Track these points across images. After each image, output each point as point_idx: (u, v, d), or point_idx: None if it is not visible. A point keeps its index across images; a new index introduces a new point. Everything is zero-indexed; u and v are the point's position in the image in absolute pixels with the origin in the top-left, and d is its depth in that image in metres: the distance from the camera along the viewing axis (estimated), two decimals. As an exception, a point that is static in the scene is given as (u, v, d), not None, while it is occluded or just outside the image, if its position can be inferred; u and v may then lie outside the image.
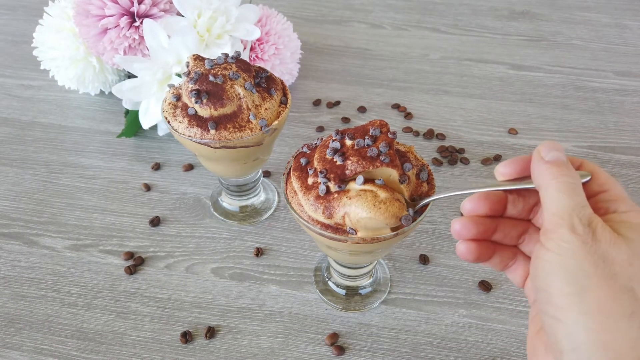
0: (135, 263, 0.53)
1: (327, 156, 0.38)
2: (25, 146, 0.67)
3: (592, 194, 0.29)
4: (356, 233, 0.37)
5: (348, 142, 0.38)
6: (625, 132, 0.69)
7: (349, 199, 0.36)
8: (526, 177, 0.31)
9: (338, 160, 0.37)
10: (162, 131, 0.66)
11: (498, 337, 0.47)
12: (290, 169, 0.42)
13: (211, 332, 0.47)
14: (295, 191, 0.40)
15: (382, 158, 0.36)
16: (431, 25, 0.90)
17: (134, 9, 0.60)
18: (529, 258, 0.33)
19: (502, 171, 0.31)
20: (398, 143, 0.43)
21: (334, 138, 0.38)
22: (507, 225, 0.32)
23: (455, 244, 0.32)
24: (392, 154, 0.37)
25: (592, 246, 0.26)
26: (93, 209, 0.59)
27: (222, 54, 0.47)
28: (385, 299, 0.50)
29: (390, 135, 0.38)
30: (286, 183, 0.41)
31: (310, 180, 0.38)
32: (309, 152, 0.42)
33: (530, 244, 0.33)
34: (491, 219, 0.32)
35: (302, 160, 0.40)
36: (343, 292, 0.51)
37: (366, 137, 0.37)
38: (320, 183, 0.37)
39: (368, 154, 0.36)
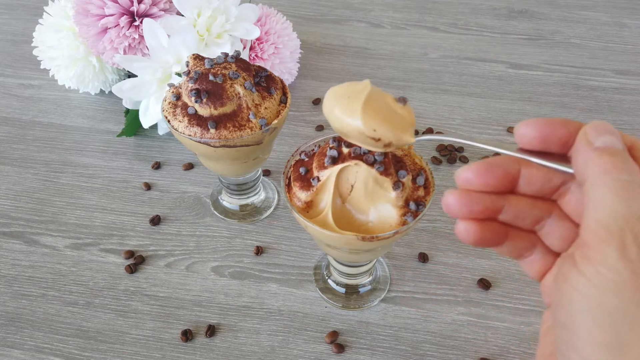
0: (136, 262, 0.53)
1: (325, 165, 0.38)
2: (25, 145, 0.67)
3: None
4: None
5: (345, 150, 0.38)
6: (623, 130, 0.69)
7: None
8: (556, 155, 0.24)
9: None
10: (162, 130, 0.66)
11: (497, 334, 0.48)
12: (290, 178, 0.42)
13: (211, 331, 0.48)
14: (299, 197, 0.40)
15: (376, 167, 0.36)
16: (430, 24, 0.90)
17: (134, 8, 0.60)
18: (551, 252, 0.26)
19: (523, 132, 0.24)
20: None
21: (331, 145, 0.39)
22: (521, 205, 0.25)
23: (456, 237, 0.26)
24: (386, 162, 0.37)
25: None
26: (93, 208, 0.59)
27: (222, 53, 0.47)
28: (385, 297, 0.51)
29: None
30: (289, 193, 0.41)
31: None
32: (307, 159, 0.42)
33: (553, 234, 0.25)
34: (496, 195, 0.25)
35: (302, 170, 0.41)
36: (343, 290, 0.51)
37: None
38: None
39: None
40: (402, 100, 0.32)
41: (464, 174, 0.24)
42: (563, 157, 0.24)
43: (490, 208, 0.25)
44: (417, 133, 0.69)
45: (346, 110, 0.32)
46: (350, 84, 0.33)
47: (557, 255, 0.26)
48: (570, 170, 0.23)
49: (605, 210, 0.20)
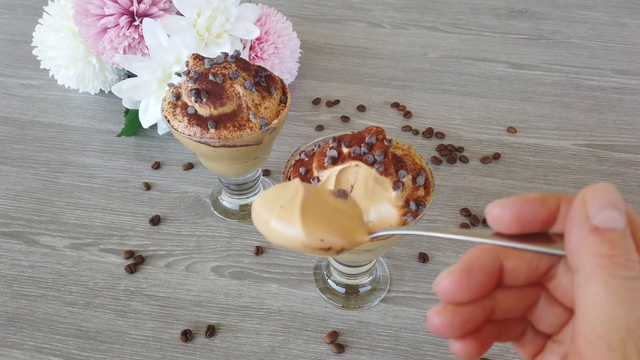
0: (136, 262, 0.53)
1: (325, 165, 0.38)
2: (25, 145, 0.67)
3: None
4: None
5: (345, 150, 0.38)
6: (624, 130, 0.69)
7: None
8: (539, 235, 0.22)
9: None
10: (162, 130, 0.66)
11: (497, 334, 0.48)
12: (290, 178, 0.42)
13: (211, 331, 0.48)
14: None
15: (376, 167, 0.36)
16: (430, 24, 0.90)
17: (134, 8, 0.60)
18: (541, 333, 0.24)
19: (498, 214, 0.21)
20: (398, 143, 0.43)
21: (330, 145, 0.39)
22: (509, 301, 0.23)
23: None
24: (386, 162, 0.37)
25: None
26: (93, 208, 0.59)
27: (222, 53, 0.47)
28: (385, 297, 0.51)
29: (386, 143, 0.38)
30: None
31: None
32: (306, 159, 0.42)
33: (543, 320, 0.23)
34: (483, 300, 0.22)
35: (302, 170, 0.41)
36: (343, 290, 0.51)
37: (362, 145, 0.38)
38: None
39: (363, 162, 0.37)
40: (343, 194, 0.29)
41: (443, 284, 0.21)
42: (544, 235, 0.22)
43: (482, 317, 0.22)
44: (416, 132, 0.69)
45: (283, 222, 0.26)
46: (278, 187, 0.28)
47: (548, 336, 0.24)
48: (561, 253, 0.21)
49: (603, 317, 0.17)
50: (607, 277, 0.18)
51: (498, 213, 0.21)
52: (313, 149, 0.43)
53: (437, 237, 0.24)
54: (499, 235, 0.22)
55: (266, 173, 0.63)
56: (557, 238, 0.21)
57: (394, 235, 0.28)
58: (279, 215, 0.27)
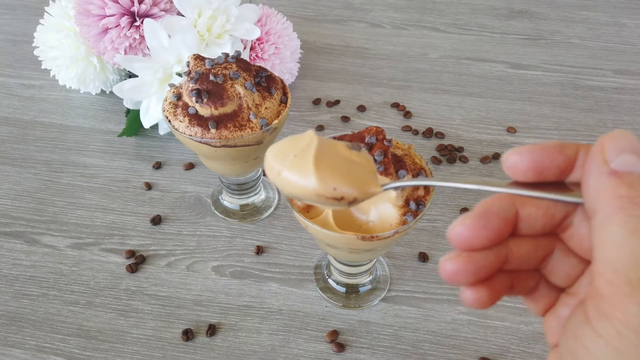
0: (137, 261, 0.53)
1: None
2: (26, 145, 0.67)
3: None
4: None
5: None
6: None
7: None
8: (555, 184, 0.21)
9: None
10: (162, 130, 0.66)
11: (497, 334, 0.48)
12: None
13: (212, 330, 0.48)
14: None
15: (376, 167, 0.37)
16: (430, 24, 0.90)
17: (135, 8, 0.60)
18: (554, 287, 0.24)
19: (514, 162, 0.21)
20: (398, 143, 0.43)
21: None
22: (524, 251, 0.22)
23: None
24: (386, 162, 0.37)
25: None
26: (94, 208, 0.59)
27: (223, 53, 0.48)
28: (385, 296, 0.51)
29: (386, 143, 0.38)
30: None
31: None
32: None
33: (557, 272, 0.23)
34: (497, 247, 0.22)
35: None
36: (343, 289, 0.51)
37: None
38: None
39: None
40: (357, 147, 0.29)
41: (458, 229, 0.21)
42: (560, 184, 0.21)
43: (495, 265, 0.22)
44: (416, 132, 0.69)
45: (296, 172, 0.27)
46: (292, 138, 0.28)
47: (561, 290, 0.24)
48: (579, 200, 0.20)
49: (623, 257, 0.17)
50: (627, 218, 0.17)
51: (515, 160, 0.21)
52: None
53: (451, 187, 0.23)
54: (516, 183, 0.21)
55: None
56: (574, 187, 0.21)
57: (405, 186, 0.28)
58: (292, 164, 0.27)
